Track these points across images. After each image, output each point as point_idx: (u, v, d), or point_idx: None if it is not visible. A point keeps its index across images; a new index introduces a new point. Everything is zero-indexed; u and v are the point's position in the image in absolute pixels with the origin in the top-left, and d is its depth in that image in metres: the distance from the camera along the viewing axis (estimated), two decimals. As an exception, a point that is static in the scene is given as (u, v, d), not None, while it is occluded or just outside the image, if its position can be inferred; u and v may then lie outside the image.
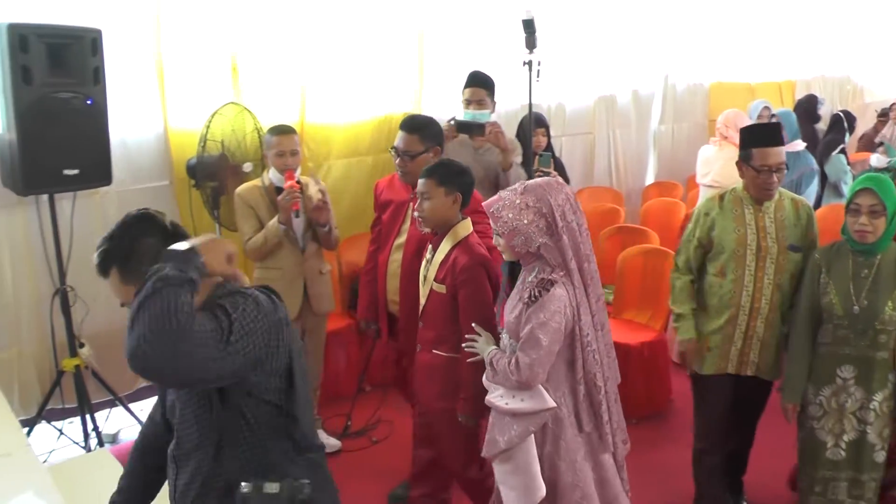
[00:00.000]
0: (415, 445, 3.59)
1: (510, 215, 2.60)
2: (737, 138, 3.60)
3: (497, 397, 2.69)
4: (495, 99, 4.28)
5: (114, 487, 2.14)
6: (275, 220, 3.82)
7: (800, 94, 8.29)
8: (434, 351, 3.16)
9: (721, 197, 3.36)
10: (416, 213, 3.16)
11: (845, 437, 3.09)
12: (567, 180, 5.23)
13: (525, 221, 2.59)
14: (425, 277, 3.19)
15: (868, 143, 7.66)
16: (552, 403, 2.61)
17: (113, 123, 3.84)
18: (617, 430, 2.78)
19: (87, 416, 3.97)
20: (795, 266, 3.23)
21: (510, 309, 2.72)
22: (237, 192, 3.96)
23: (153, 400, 2.20)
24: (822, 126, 6.50)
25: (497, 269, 3.05)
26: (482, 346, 2.83)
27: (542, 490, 2.64)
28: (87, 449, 3.93)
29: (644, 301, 4.90)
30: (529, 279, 2.65)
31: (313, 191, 3.84)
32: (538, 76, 4.40)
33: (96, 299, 3.98)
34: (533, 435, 2.65)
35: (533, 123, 4.60)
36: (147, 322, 1.51)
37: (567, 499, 2.67)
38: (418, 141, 3.50)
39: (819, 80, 8.76)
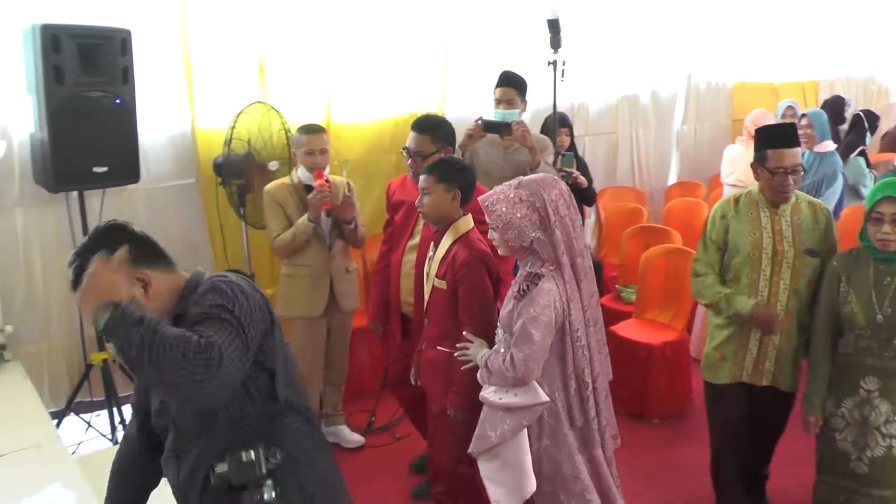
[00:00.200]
0: (429, 444, 3.61)
1: (504, 209, 2.64)
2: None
3: (490, 392, 2.73)
4: (526, 99, 4.25)
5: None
6: (304, 217, 3.84)
7: (823, 94, 8.23)
8: (438, 347, 3.16)
9: (736, 200, 3.27)
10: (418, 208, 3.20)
11: (868, 453, 2.97)
12: (590, 180, 5.25)
13: (518, 215, 2.62)
14: (428, 274, 3.20)
15: (891, 143, 7.56)
16: (545, 398, 2.64)
17: (141, 122, 3.88)
18: (606, 427, 2.79)
19: (115, 409, 4.02)
20: (813, 271, 3.13)
21: (504, 303, 2.77)
22: (266, 190, 3.99)
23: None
24: (845, 127, 6.44)
25: (497, 264, 3.07)
26: (475, 351, 2.87)
27: (533, 485, 2.68)
28: (114, 441, 3.98)
29: (666, 301, 4.90)
30: (523, 274, 2.69)
31: (340, 188, 3.87)
32: (563, 76, 4.41)
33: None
34: (526, 430, 2.68)
35: (557, 123, 4.61)
36: (175, 371, 1.56)
37: (569, 490, 2.70)
38: (430, 141, 3.52)
39: (843, 80, 8.66)
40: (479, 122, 4.03)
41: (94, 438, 4.13)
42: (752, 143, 5.06)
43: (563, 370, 2.67)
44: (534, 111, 5.34)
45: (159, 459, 2.04)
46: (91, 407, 4.23)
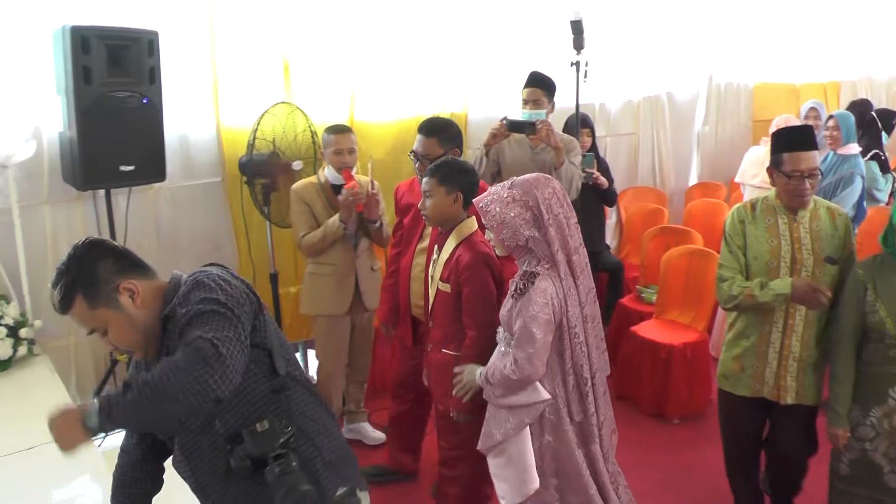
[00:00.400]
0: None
1: (497, 209, 2.67)
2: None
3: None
4: (554, 100, 4.26)
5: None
6: (335, 218, 3.87)
7: (845, 95, 8.17)
8: (443, 350, 3.19)
9: (753, 206, 3.16)
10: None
11: None
12: (611, 181, 5.26)
13: (512, 214, 2.65)
14: (432, 277, 3.22)
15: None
16: (546, 395, 2.68)
17: (168, 122, 3.92)
18: (604, 422, 2.81)
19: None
20: (832, 279, 3.01)
21: (504, 303, 2.80)
22: (293, 189, 4.03)
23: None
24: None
25: (500, 266, 3.09)
26: (469, 377, 2.90)
27: (536, 482, 2.72)
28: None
29: (687, 301, 4.90)
30: (520, 273, 2.72)
31: (365, 186, 3.90)
32: (585, 77, 4.42)
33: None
34: (528, 427, 2.72)
35: (578, 124, 4.62)
36: (184, 389, 1.64)
37: (575, 484, 2.74)
38: (437, 144, 3.52)
39: (865, 81, 8.59)
40: (504, 121, 4.04)
41: (119, 432, 4.15)
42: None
43: (561, 366, 2.71)
44: (556, 111, 5.34)
45: (161, 463, 2.10)
46: (117, 401, 4.27)
